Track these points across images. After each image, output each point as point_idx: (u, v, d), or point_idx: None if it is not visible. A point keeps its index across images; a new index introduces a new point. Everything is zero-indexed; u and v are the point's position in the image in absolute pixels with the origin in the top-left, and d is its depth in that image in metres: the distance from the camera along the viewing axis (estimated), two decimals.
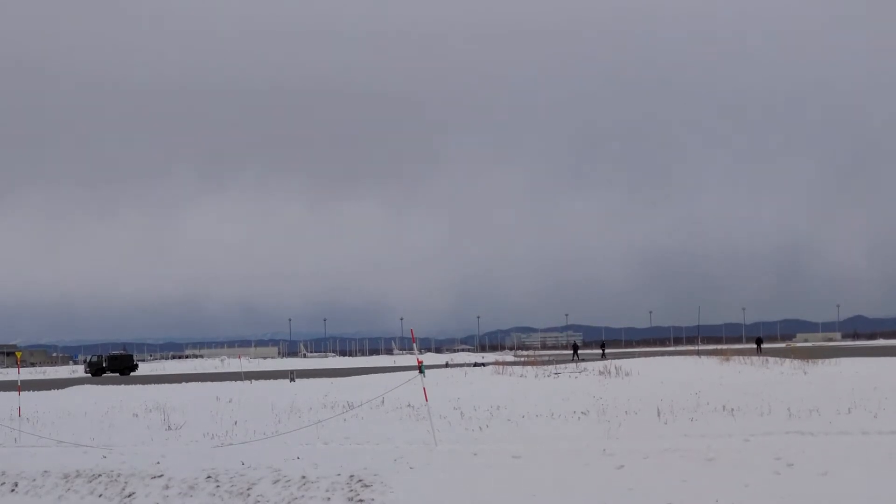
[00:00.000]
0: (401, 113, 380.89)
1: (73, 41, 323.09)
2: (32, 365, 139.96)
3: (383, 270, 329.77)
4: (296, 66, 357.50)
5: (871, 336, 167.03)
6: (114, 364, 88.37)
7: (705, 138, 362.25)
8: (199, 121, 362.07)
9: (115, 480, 16.73)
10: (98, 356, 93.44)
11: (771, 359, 44.56)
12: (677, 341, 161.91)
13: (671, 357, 50.92)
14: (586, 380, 35.83)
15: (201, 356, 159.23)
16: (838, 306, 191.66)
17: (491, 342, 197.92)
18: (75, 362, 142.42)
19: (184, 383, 48.92)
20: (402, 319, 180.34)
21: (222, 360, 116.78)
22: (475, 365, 58.34)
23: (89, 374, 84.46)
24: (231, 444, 19.24)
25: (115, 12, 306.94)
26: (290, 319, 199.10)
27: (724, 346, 72.63)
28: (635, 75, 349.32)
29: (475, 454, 16.26)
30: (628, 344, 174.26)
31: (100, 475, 17.06)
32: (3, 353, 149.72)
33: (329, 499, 14.73)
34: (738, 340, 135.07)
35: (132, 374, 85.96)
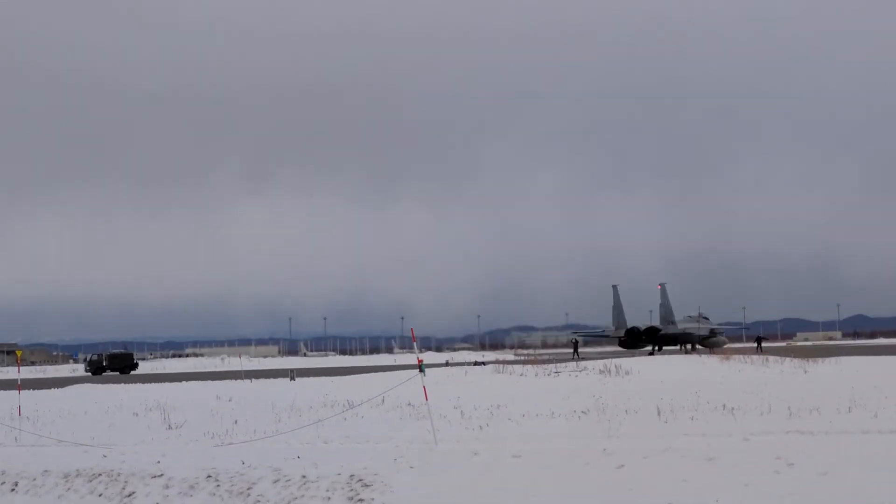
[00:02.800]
0: (425, 115, 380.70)
1: (118, 48, 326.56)
2: (33, 363, 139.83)
3: (385, 270, 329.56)
4: (335, 68, 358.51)
5: (872, 335, 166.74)
6: (114, 363, 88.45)
7: (715, 139, 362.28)
8: (237, 126, 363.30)
9: (116, 480, 16.74)
10: (98, 355, 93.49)
11: (771, 358, 44.58)
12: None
13: (671, 356, 50.94)
14: (586, 379, 35.83)
15: (202, 355, 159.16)
16: (839, 305, 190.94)
17: (491, 341, 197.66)
18: (76, 361, 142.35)
19: (184, 382, 48.90)
20: (402, 318, 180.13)
21: (223, 359, 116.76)
22: (475, 364, 58.27)
23: (90, 373, 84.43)
24: (231, 444, 19.25)
25: (156, 20, 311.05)
26: (290, 318, 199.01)
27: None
28: (670, 77, 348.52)
29: (475, 453, 16.26)
30: None
31: (100, 474, 17.07)
32: (3, 351, 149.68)
33: (329, 498, 14.74)
34: (739, 339, 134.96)
35: (132, 372, 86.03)
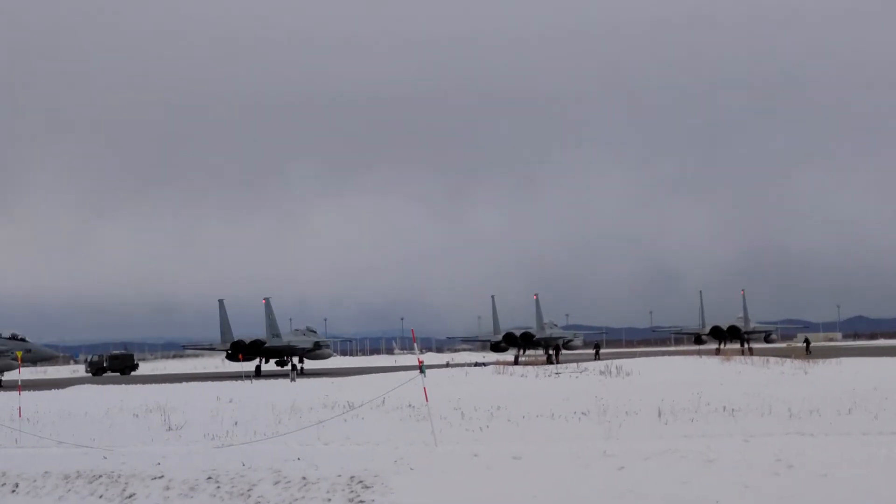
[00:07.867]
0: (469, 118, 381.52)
1: (206, 54, 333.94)
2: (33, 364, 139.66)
3: (385, 271, 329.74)
4: (409, 75, 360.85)
5: (872, 336, 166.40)
6: (114, 364, 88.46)
7: (718, 136, 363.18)
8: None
9: (116, 481, 16.74)
10: (99, 356, 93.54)
11: (772, 359, 44.57)
12: (678, 341, 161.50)
13: (672, 357, 50.96)
14: (587, 380, 35.86)
15: (202, 356, 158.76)
16: (839, 306, 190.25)
17: None
18: (76, 362, 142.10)
19: (184, 383, 48.85)
20: (402, 319, 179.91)
21: (223, 360, 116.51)
22: (476, 365, 58.33)
23: (90, 374, 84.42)
24: (232, 445, 19.24)
25: (245, 33, 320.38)
26: (290, 319, 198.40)
27: (727, 346, 72.79)
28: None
29: (476, 455, 16.26)
30: (629, 344, 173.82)
31: (100, 476, 17.07)
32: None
33: (329, 500, 14.76)
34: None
35: (133, 373, 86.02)
